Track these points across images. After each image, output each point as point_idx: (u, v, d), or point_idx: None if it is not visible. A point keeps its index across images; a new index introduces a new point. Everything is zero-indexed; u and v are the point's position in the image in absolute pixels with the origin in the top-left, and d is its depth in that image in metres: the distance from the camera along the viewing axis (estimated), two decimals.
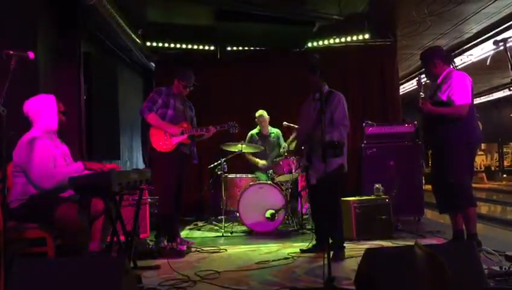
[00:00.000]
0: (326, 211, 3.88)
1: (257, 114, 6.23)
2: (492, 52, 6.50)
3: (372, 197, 4.93)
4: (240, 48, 7.36)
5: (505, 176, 15.05)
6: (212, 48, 7.20)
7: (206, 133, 4.69)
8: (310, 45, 7.05)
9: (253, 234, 5.23)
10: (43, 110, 3.19)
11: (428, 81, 4.30)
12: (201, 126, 4.72)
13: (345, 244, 4.00)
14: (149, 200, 5.01)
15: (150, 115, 4.51)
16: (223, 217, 5.44)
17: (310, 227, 5.34)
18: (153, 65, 7.59)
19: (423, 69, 4.24)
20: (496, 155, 16.99)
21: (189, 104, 4.86)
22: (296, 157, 5.37)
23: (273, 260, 3.80)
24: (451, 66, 4.03)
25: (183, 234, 5.31)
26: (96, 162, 3.43)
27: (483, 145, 16.30)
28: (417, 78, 4.15)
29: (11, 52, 2.51)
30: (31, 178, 3.02)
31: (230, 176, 5.78)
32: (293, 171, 5.34)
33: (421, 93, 3.99)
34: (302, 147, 4.08)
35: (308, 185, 4.17)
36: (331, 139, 3.64)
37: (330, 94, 3.99)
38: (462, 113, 3.78)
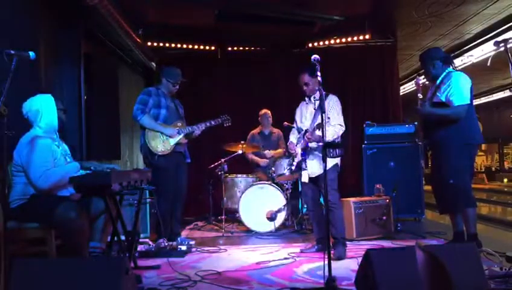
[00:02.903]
0: (321, 209, 3.90)
1: (261, 112, 6.25)
2: (492, 53, 6.50)
3: (373, 197, 4.94)
4: (241, 48, 7.36)
5: (505, 178, 15.03)
6: (212, 48, 7.20)
7: (201, 130, 4.63)
8: (310, 45, 7.06)
9: (254, 234, 5.23)
10: (42, 109, 3.19)
11: (427, 83, 4.31)
12: (196, 124, 4.63)
13: (346, 242, 4.00)
14: (149, 200, 5.00)
15: (143, 118, 4.41)
16: (223, 217, 5.44)
17: (310, 227, 5.35)
18: (154, 65, 7.59)
19: (422, 71, 4.24)
20: (496, 156, 17.01)
21: (178, 102, 4.78)
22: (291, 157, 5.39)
23: (273, 260, 3.81)
24: (451, 67, 4.03)
25: (184, 234, 5.31)
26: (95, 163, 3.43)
27: (483, 146, 16.33)
28: (415, 80, 4.15)
29: (12, 52, 2.51)
30: (30, 178, 3.02)
31: (230, 176, 5.78)
32: (295, 171, 5.34)
33: (419, 95, 4.00)
34: (297, 146, 4.09)
35: (300, 182, 4.19)
36: (335, 140, 3.67)
37: (326, 96, 4.01)
38: (460, 114, 3.79)
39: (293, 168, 4.17)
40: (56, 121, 3.25)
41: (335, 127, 3.90)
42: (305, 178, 3.96)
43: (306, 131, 3.96)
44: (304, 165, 3.97)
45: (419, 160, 5.85)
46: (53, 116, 3.24)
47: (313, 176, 3.97)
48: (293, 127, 4.33)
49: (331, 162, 3.90)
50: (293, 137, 4.25)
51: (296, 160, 4.09)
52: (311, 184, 4.02)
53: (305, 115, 4.12)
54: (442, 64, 4.00)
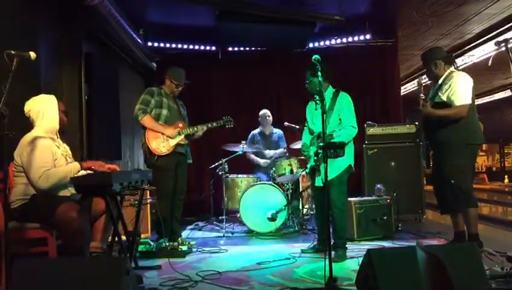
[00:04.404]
0: (332, 212, 3.88)
1: (261, 113, 6.25)
2: (493, 53, 6.50)
3: (374, 197, 4.93)
4: (241, 49, 7.36)
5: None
6: (213, 48, 7.20)
7: (202, 131, 4.61)
8: (311, 45, 7.05)
9: (254, 234, 5.23)
10: (44, 110, 3.19)
11: (429, 82, 4.30)
12: (197, 125, 4.62)
13: (346, 245, 4.00)
14: (150, 200, 5.01)
15: (144, 118, 4.40)
16: (224, 217, 5.44)
17: (311, 227, 5.35)
18: (154, 65, 7.59)
19: (424, 70, 4.24)
20: (497, 156, 16.98)
21: (181, 103, 4.77)
22: (297, 157, 5.39)
23: (274, 261, 3.81)
24: (453, 67, 4.03)
25: (184, 234, 5.31)
26: (95, 161, 3.42)
27: (484, 146, 16.29)
28: (418, 80, 4.15)
29: (13, 52, 2.51)
30: (30, 178, 3.03)
31: (231, 176, 5.77)
32: (294, 171, 5.35)
33: (422, 94, 3.99)
34: (309, 148, 4.08)
35: (313, 185, 4.17)
36: (340, 141, 3.64)
37: (337, 94, 3.99)
38: (462, 114, 3.78)
39: (307, 170, 4.15)
40: (57, 122, 3.26)
41: (348, 130, 3.87)
42: (318, 182, 3.94)
43: (318, 134, 3.94)
44: (317, 170, 3.94)
45: (420, 160, 5.84)
46: (54, 116, 3.24)
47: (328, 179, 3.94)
48: (300, 127, 4.32)
49: (345, 163, 3.89)
50: (306, 138, 4.22)
51: (309, 163, 4.07)
52: (323, 188, 3.99)
53: (316, 116, 4.09)
54: (443, 64, 3.99)
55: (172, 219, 4.54)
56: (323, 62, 3.18)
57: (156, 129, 4.42)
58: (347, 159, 3.88)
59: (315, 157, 3.93)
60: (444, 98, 3.84)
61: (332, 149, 3.56)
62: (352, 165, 4.01)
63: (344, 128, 3.88)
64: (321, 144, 3.72)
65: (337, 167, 3.83)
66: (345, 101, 3.96)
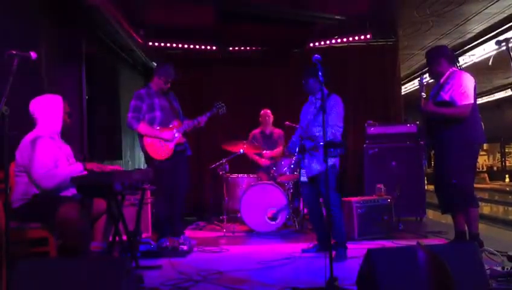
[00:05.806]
0: (327, 210, 3.89)
1: (261, 112, 6.25)
2: (494, 52, 6.49)
3: (374, 197, 4.93)
4: (242, 48, 7.36)
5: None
6: (213, 48, 7.21)
7: (198, 125, 4.54)
8: (311, 45, 7.05)
9: (255, 233, 5.23)
10: (49, 110, 3.20)
11: (431, 82, 4.30)
12: (192, 119, 4.55)
13: (347, 245, 4.00)
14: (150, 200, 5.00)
15: (140, 126, 4.31)
16: (224, 217, 5.44)
17: (311, 227, 5.34)
18: (155, 65, 7.59)
19: (425, 70, 4.24)
20: (498, 155, 16.99)
21: (172, 96, 4.64)
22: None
23: (274, 260, 3.81)
24: (455, 66, 4.02)
25: (185, 233, 5.30)
26: (96, 163, 3.43)
27: (485, 146, 16.29)
28: (419, 79, 4.14)
29: (14, 52, 2.51)
30: (32, 177, 3.03)
31: (232, 176, 5.77)
32: (295, 171, 5.34)
33: (423, 93, 3.99)
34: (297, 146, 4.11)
35: (299, 182, 4.21)
36: (337, 140, 3.67)
37: (328, 96, 4.00)
38: (464, 114, 3.78)
39: (292, 166, 4.18)
40: (60, 123, 3.26)
41: (332, 128, 3.88)
42: (303, 178, 3.96)
43: (303, 132, 3.96)
44: (301, 165, 3.98)
45: (421, 160, 5.83)
46: (58, 118, 3.24)
47: (310, 175, 3.97)
48: (297, 127, 4.33)
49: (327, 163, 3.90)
50: (296, 137, 4.25)
51: (295, 159, 4.11)
52: (309, 184, 4.03)
53: (306, 116, 4.10)
54: (447, 62, 3.98)
55: (174, 218, 4.52)
56: (323, 62, 3.18)
57: (153, 135, 4.34)
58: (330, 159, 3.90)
59: (298, 154, 3.98)
60: (447, 97, 3.84)
61: (331, 148, 3.57)
62: (336, 165, 4.01)
63: (328, 128, 3.87)
64: (307, 141, 3.75)
65: (320, 164, 3.83)
66: (334, 102, 3.98)
